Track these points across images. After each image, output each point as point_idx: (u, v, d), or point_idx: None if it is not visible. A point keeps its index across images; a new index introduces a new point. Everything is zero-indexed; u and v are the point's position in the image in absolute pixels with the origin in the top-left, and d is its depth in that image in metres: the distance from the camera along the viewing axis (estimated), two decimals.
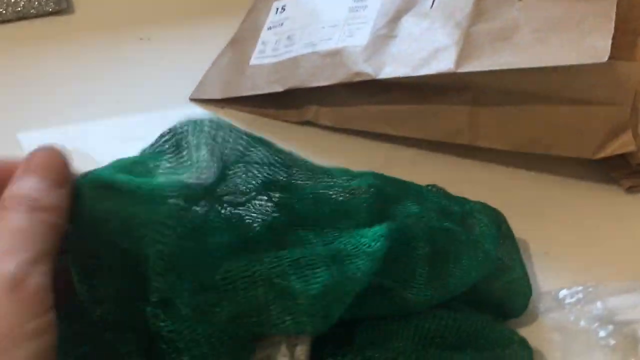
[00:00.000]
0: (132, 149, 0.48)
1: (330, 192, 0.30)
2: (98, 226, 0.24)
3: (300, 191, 0.29)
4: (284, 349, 0.27)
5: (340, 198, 0.30)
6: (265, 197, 0.28)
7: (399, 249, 0.29)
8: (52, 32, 0.60)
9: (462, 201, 0.37)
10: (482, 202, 0.37)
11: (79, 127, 0.52)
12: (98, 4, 0.63)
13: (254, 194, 0.27)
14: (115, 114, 0.53)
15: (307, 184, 0.30)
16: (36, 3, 0.60)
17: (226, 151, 0.28)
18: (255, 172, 0.28)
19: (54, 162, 0.23)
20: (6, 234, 0.21)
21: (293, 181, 0.29)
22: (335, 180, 0.31)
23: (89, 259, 0.24)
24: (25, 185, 0.22)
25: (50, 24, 0.61)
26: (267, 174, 0.28)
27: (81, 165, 0.26)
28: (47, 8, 0.61)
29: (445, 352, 0.30)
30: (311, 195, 0.29)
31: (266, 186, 0.28)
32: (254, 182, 0.28)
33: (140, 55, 0.58)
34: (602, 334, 0.35)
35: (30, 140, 0.50)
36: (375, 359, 0.28)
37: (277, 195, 0.28)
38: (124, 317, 0.25)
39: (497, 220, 0.37)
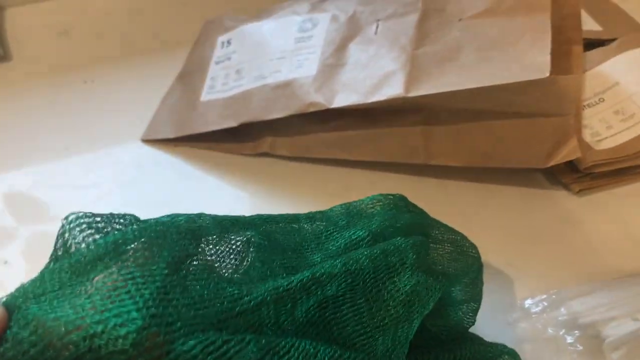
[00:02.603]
0: (85, 195, 0.48)
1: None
2: None
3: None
4: None
5: None
6: None
7: None
8: None
9: None
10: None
11: (29, 172, 0.50)
12: (36, 50, 0.62)
13: None
14: (64, 159, 0.52)
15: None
16: None
17: None
18: None
19: None
20: None
21: None
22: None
23: None
24: None
25: None
26: None
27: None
28: None
29: None
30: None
31: None
32: None
33: (86, 98, 0.57)
34: (569, 339, 0.37)
35: None
36: None
37: None
38: None
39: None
